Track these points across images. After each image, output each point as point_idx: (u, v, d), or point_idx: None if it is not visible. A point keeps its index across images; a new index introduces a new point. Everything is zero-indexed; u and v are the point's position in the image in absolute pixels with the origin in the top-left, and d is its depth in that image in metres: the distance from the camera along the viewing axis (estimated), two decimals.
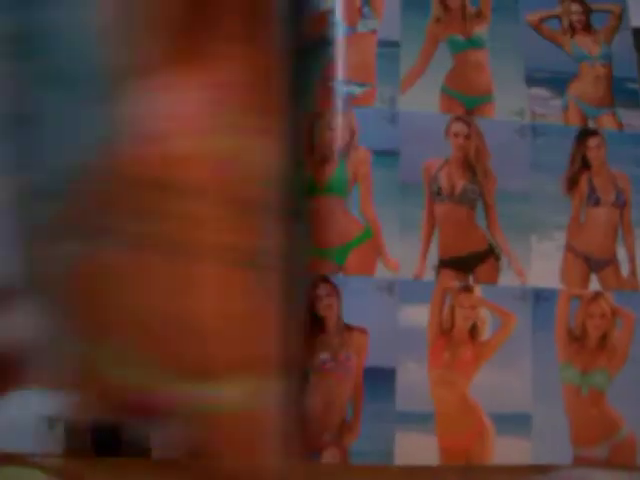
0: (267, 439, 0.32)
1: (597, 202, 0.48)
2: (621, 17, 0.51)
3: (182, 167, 0.30)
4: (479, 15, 0.50)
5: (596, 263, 0.47)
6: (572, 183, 0.48)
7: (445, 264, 0.46)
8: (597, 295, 0.47)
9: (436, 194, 0.47)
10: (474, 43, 0.50)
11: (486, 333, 0.45)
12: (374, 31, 0.49)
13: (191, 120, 0.29)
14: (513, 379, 0.45)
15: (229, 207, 0.30)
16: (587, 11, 0.51)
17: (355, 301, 0.44)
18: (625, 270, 0.47)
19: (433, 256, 0.46)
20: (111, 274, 0.30)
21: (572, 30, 0.51)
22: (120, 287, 0.31)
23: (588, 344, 0.46)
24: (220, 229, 0.31)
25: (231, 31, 0.30)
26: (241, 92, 0.30)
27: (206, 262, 0.31)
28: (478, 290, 0.46)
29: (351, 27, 0.49)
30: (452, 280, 0.46)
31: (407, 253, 0.45)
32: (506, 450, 0.44)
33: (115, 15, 0.27)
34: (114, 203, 0.30)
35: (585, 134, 0.49)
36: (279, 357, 0.31)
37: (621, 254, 0.48)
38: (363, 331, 0.44)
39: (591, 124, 0.49)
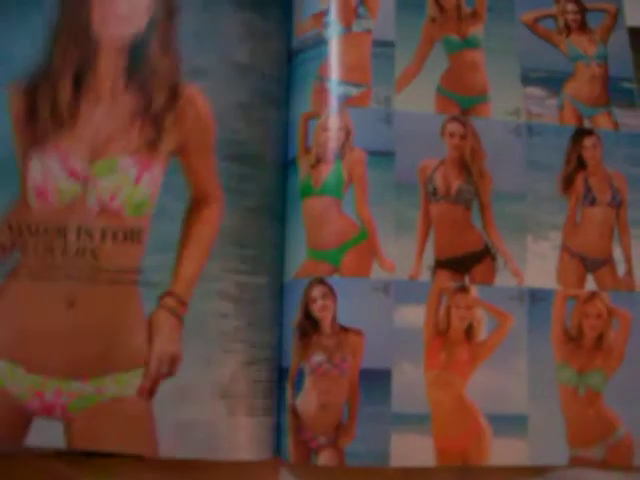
0: (139, 420, 0.41)
1: (593, 202, 0.48)
2: (616, 16, 0.51)
3: (75, 210, 0.42)
4: (474, 15, 0.50)
5: (592, 263, 0.47)
6: (568, 183, 0.48)
7: (441, 264, 0.46)
8: (593, 295, 0.46)
9: (432, 194, 0.47)
10: (470, 43, 0.50)
11: (482, 333, 0.45)
12: (369, 31, 0.49)
13: (75, 171, 0.42)
14: (509, 380, 0.45)
15: (114, 236, 0.42)
16: (582, 10, 0.51)
17: (351, 302, 0.44)
18: (621, 270, 0.47)
19: (429, 256, 0.46)
20: (17, 301, 0.42)
21: (567, 29, 0.51)
22: (22, 311, 0.42)
23: (584, 344, 0.46)
24: (109, 255, 0.42)
25: (99, 92, 0.43)
26: (117, 139, 0.42)
27: (98, 284, 0.42)
28: (474, 290, 0.46)
29: (346, 27, 0.48)
30: (448, 280, 0.46)
31: (403, 254, 0.45)
32: (503, 451, 0.44)
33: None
34: (25, 244, 0.42)
35: (581, 134, 0.49)
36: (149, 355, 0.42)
37: (617, 254, 0.48)
38: (359, 332, 0.44)
39: (587, 124, 0.49)
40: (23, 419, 0.41)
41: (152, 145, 0.43)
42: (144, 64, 0.44)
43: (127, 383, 0.42)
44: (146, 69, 0.44)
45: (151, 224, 0.43)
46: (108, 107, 0.43)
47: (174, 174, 0.43)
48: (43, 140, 0.43)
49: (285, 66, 0.49)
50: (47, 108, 0.43)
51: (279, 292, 0.46)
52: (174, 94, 0.43)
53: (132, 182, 0.42)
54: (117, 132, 0.43)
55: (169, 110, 0.43)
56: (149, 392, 0.42)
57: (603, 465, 0.45)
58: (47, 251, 0.42)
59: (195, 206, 0.43)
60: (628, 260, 0.47)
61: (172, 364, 0.42)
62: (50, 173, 0.42)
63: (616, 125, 0.49)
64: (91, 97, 0.43)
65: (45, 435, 0.41)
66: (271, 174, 0.46)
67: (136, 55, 0.44)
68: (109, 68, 0.44)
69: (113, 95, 0.43)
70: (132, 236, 0.42)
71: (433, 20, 0.50)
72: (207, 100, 0.44)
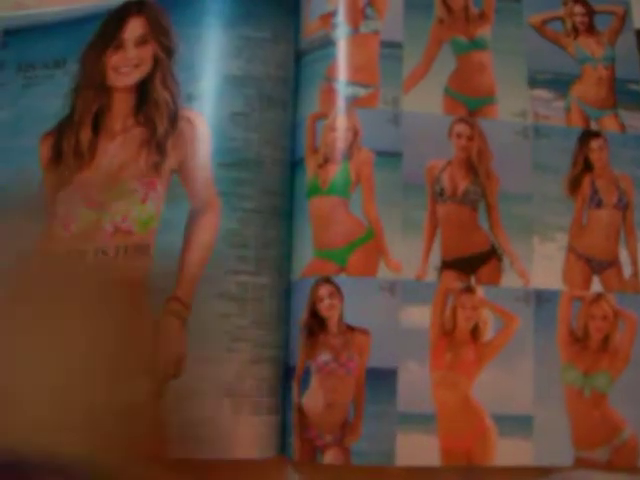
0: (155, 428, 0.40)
1: (599, 204, 0.48)
2: (624, 19, 0.52)
3: (93, 234, 0.46)
4: (482, 17, 0.50)
5: (598, 265, 0.47)
6: (574, 185, 0.48)
7: (447, 265, 0.46)
8: (599, 297, 0.47)
9: (439, 195, 0.47)
10: (477, 44, 0.50)
11: (488, 334, 0.45)
12: (377, 32, 0.49)
13: (94, 200, 0.47)
14: (515, 380, 0.45)
15: (125, 252, 0.45)
16: (590, 13, 0.52)
17: (357, 302, 0.44)
18: (627, 272, 0.47)
19: (435, 257, 0.46)
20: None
21: (575, 32, 0.51)
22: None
23: (590, 346, 0.46)
24: (120, 275, 0.43)
25: (113, 130, 0.48)
26: (127, 167, 0.47)
27: (109, 305, 0.41)
28: (480, 291, 0.46)
29: (354, 28, 0.49)
30: (454, 281, 0.46)
31: (409, 254, 0.46)
32: (508, 451, 0.44)
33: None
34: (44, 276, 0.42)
35: (587, 136, 0.49)
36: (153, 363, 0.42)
37: (623, 256, 0.48)
38: (365, 332, 0.44)
39: (594, 126, 0.49)
40: None
41: (156, 167, 0.47)
42: (148, 99, 0.48)
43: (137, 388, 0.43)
44: (150, 103, 0.48)
45: (157, 236, 0.46)
46: (121, 141, 0.48)
47: (175, 188, 0.46)
48: (67, 177, 0.48)
49: (292, 67, 0.49)
50: (71, 150, 0.49)
51: (285, 291, 0.46)
52: (174, 120, 0.48)
53: (139, 202, 0.46)
54: (128, 161, 0.47)
55: (170, 135, 0.47)
56: (157, 394, 0.43)
57: (608, 467, 0.45)
58: (62, 280, 0.45)
59: (194, 215, 0.46)
60: (634, 262, 0.48)
61: (178, 365, 0.43)
62: (72, 205, 0.47)
63: (623, 127, 0.50)
64: (107, 135, 0.49)
65: None
66: (273, 175, 0.47)
67: (142, 93, 0.49)
68: (121, 109, 0.49)
69: (125, 130, 0.48)
70: (141, 250, 0.46)
71: (441, 21, 0.50)
72: (202, 117, 0.47)
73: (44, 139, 0.50)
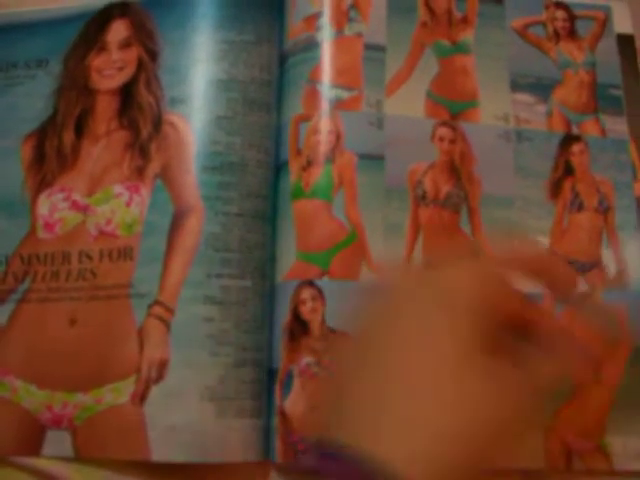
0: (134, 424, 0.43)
1: (580, 207, 0.49)
2: (605, 24, 0.52)
3: (77, 237, 0.46)
4: (465, 21, 0.51)
5: (582, 266, 0.47)
6: (556, 189, 0.49)
7: None
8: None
9: (421, 198, 0.47)
10: (460, 48, 0.50)
11: None
12: (360, 35, 0.49)
13: (77, 203, 0.47)
14: None
15: (109, 255, 0.46)
16: (572, 18, 0.52)
17: (339, 305, 0.44)
18: (612, 270, 0.47)
19: (417, 260, 0.46)
20: (27, 324, 0.46)
21: (557, 36, 0.51)
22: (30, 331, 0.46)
23: None
24: (105, 274, 0.45)
25: (97, 133, 0.48)
26: (111, 171, 0.47)
27: (96, 301, 0.45)
28: None
29: (338, 31, 0.49)
30: None
31: (391, 257, 0.46)
32: None
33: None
34: (35, 272, 0.46)
35: (569, 140, 0.49)
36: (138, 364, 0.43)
37: (606, 256, 0.48)
38: (348, 335, 0.44)
39: (575, 130, 0.50)
40: (37, 432, 0.44)
41: (140, 171, 0.47)
42: (132, 102, 0.48)
43: (122, 391, 0.43)
44: (134, 106, 0.48)
45: (141, 240, 0.46)
46: (104, 144, 0.48)
47: (159, 192, 0.46)
48: (50, 179, 0.48)
49: (276, 69, 0.49)
50: (54, 152, 0.48)
51: (268, 294, 0.46)
52: (158, 124, 0.47)
53: (124, 206, 0.46)
54: (111, 165, 0.47)
55: (154, 139, 0.47)
56: (141, 398, 0.43)
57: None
58: (53, 276, 0.46)
59: (177, 218, 0.46)
60: (618, 262, 0.48)
61: (161, 369, 0.43)
62: (56, 207, 0.47)
63: (603, 132, 0.50)
64: (90, 138, 0.48)
65: (56, 446, 0.44)
66: (257, 178, 0.47)
67: (126, 96, 0.49)
68: (105, 112, 0.49)
69: (108, 133, 0.48)
70: (125, 254, 0.45)
71: (424, 25, 0.50)
72: (186, 121, 0.47)
73: (26, 140, 0.49)
